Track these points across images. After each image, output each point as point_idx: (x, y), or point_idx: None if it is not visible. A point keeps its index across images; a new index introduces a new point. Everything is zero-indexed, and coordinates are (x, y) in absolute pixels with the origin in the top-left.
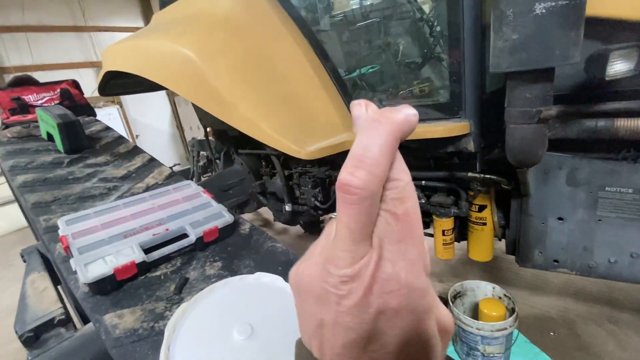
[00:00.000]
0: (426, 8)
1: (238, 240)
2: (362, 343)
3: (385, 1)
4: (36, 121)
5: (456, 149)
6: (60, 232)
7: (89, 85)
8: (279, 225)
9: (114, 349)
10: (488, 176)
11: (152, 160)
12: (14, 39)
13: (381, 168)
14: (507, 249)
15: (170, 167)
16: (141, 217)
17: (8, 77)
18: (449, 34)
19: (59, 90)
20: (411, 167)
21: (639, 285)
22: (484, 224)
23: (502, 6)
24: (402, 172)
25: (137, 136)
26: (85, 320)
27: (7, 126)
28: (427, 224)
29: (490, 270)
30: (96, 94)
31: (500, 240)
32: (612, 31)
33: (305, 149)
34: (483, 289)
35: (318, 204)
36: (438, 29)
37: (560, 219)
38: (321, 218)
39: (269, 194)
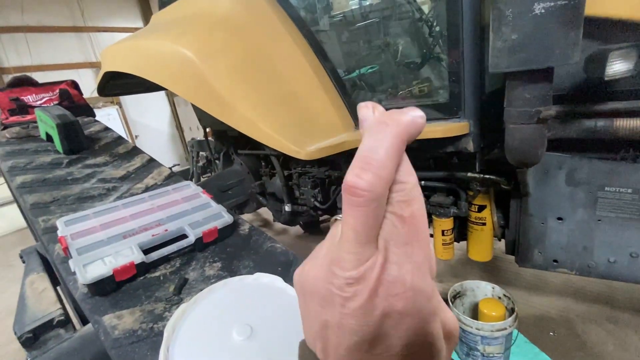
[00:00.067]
0: (425, 8)
1: (237, 240)
2: (367, 345)
3: (384, 1)
4: (35, 122)
5: (455, 149)
6: (59, 233)
7: (88, 86)
8: (279, 225)
9: (113, 350)
10: (487, 176)
11: (151, 160)
12: (13, 39)
13: (388, 170)
14: (507, 249)
15: (170, 168)
16: (140, 217)
17: (7, 78)
18: (448, 34)
19: (58, 90)
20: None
21: (638, 284)
22: (484, 224)
23: (501, 6)
24: (408, 175)
25: (136, 137)
26: (84, 321)
27: (5, 127)
28: (427, 223)
29: (489, 270)
30: (95, 94)
31: (499, 240)
32: (611, 31)
33: (305, 149)
34: (483, 289)
35: (317, 204)
36: (437, 29)
37: (559, 219)
38: (321, 218)
39: (269, 195)
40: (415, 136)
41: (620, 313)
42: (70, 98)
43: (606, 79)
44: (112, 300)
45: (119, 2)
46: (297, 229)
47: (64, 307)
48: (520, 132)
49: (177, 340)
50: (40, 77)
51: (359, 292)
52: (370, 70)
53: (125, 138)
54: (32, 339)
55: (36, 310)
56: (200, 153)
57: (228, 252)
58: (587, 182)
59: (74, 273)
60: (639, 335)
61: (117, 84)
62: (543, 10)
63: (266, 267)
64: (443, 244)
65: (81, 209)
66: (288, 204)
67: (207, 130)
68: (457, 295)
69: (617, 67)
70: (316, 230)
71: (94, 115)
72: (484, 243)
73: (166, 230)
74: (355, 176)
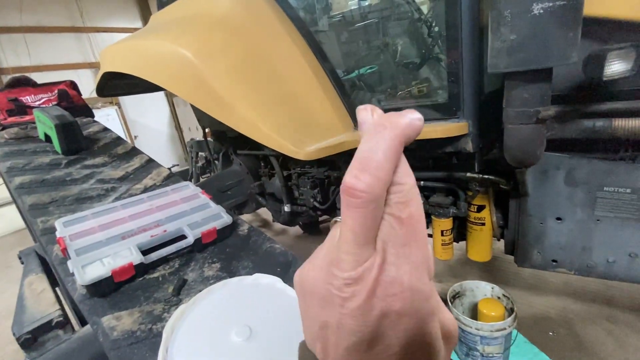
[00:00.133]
0: (424, 8)
1: (236, 241)
2: (365, 345)
3: (383, 2)
4: (34, 122)
5: (455, 150)
6: (58, 234)
7: (87, 86)
8: (278, 225)
9: (112, 351)
10: (486, 176)
11: (150, 161)
12: (11, 40)
13: (385, 172)
14: (506, 249)
15: (169, 168)
16: (139, 218)
17: (5, 78)
18: (447, 34)
19: (56, 91)
20: (410, 167)
21: (637, 284)
22: (483, 224)
23: (500, 7)
24: (406, 176)
25: (135, 137)
26: (83, 322)
27: (4, 127)
28: (425, 224)
29: (489, 271)
30: (94, 94)
31: (499, 240)
32: (609, 31)
33: (304, 149)
34: (482, 289)
35: (317, 204)
36: (436, 29)
37: (558, 219)
38: (320, 218)
39: (268, 195)
40: (412, 138)
41: (620, 313)
42: (69, 99)
43: (605, 79)
44: (110, 301)
45: (118, 2)
46: (296, 230)
47: (62, 308)
48: (519, 132)
49: (176, 342)
50: (39, 77)
51: (357, 292)
52: (369, 71)
53: (125, 138)
54: (31, 340)
55: (35, 311)
56: (200, 153)
57: (227, 252)
58: (586, 182)
59: (73, 274)
60: (637, 335)
61: (116, 85)
62: (542, 11)
63: (265, 267)
64: (442, 244)
65: (80, 210)
66: (287, 205)
67: (207, 130)
68: (456, 296)
69: (616, 67)
70: (315, 230)
71: (92, 116)
72: (483, 243)
73: (165, 231)
74: (353, 178)
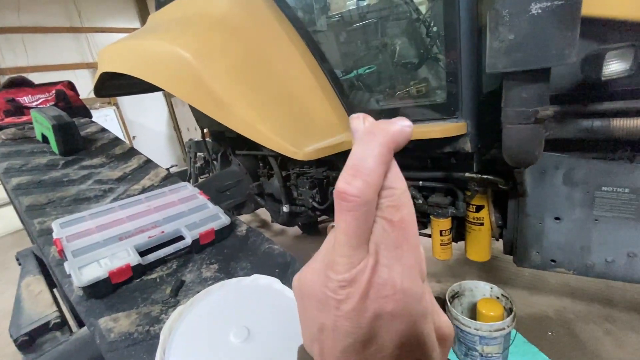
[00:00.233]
0: (423, 9)
1: (235, 242)
2: (360, 347)
3: (381, 2)
4: (31, 123)
5: (453, 150)
6: (54, 235)
7: (85, 87)
8: (277, 226)
9: (109, 353)
10: (485, 176)
11: (148, 161)
12: (9, 40)
13: (376, 177)
14: (505, 249)
15: (167, 169)
16: (137, 219)
17: (3, 79)
18: (446, 34)
19: (54, 91)
20: (408, 167)
21: (635, 284)
22: (482, 224)
23: (498, 6)
24: (397, 181)
25: (133, 137)
26: (80, 323)
27: (1, 128)
28: (424, 224)
29: (488, 270)
30: (92, 95)
31: (497, 240)
32: (608, 31)
33: (303, 149)
34: (481, 289)
35: (316, 204)
36: (435, 29)
37: (557, 218)
38: (319, 219)
39: (267, 195)
40: (402, 144)
41: (618, 312)
42: (66, 99)
43: (603, 79)
44: (108, 302)
45: (116, 2)
46: (295, 230)
47: (60, 310)
48: (517, 132)
49: (174, 343)
50: (36, 78)
51: (351, 294)
52: (367, 71)
53: (123, 139)
54: (28, 341)
55: (32, 312)
56: (198, 154)
57: (225, 253)
58: (584, 182)
59: (70, 275)
60: (636, 335)
61: (114, 85)
62: (540, 11)
63: (264, 268)
64: (441, 244)
65: (77, 211)
66: (286, 205)
67: (205, 131)
68: (455, 295)
69: (614, 67)
70: (314, 231)
71: (90, 116)
72: (482, 243)
73: (163, 232)
74: (345, 183)
